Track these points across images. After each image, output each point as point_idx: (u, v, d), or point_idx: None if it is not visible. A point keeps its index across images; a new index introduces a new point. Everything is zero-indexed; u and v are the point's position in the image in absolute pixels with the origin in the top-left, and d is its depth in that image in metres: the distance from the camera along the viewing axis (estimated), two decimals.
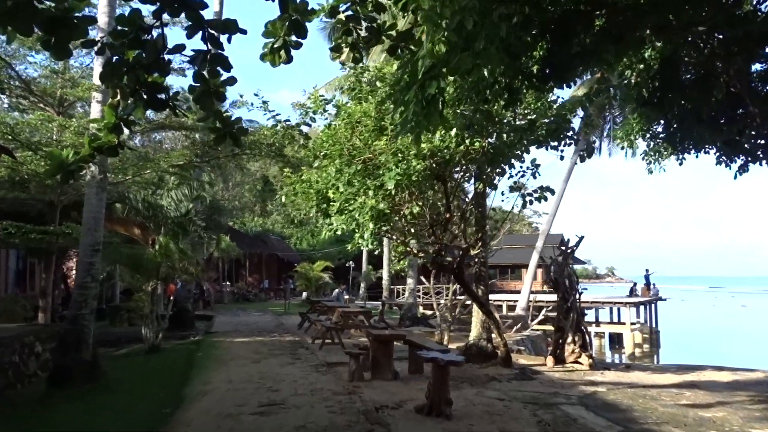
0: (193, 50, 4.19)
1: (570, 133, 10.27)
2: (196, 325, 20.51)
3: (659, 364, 15.57)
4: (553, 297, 40.85)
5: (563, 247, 15.22)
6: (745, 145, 13.75)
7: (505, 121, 10.02)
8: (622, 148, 14.67)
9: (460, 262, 11.26)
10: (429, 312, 32.40)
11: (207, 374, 10.73)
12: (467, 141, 9.87)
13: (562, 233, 53.51)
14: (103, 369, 11.43)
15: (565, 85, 9.64)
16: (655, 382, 12.16)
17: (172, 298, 17.28)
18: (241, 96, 11.76)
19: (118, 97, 4.73)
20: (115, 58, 4.40)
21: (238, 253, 36.57)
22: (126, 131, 5.04)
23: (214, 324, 21.12)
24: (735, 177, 12.99)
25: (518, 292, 49.18)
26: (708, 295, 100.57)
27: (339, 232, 10.99)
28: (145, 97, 4.58)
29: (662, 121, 13.84)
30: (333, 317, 15.82)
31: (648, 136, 14.36)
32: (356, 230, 10.34)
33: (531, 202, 11.64)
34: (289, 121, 11.78)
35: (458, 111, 8.26)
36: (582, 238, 15.30)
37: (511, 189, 12.00)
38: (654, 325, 39.83)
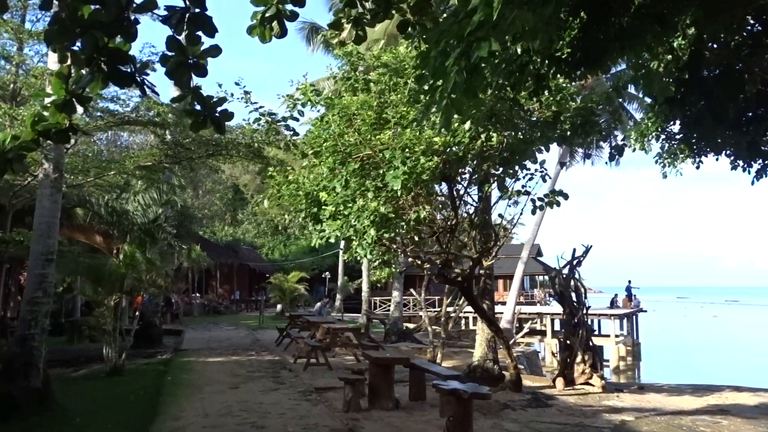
0: (167, 7, 3.34)
1: (596, 129, 9.08)
2: (164, 342, 18.83)
3: (673, 385, 14.45)
4: (536, 309, 39.87)
5: (569, 258, 14.06)
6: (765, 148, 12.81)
7: (527, 109, 8.79)
8: (634, 150, 13.58)
9: (470, 275, 10.00)
10: (410, 325, 31.15)
11: (178, 405, 9.21)
12: (482, 136, 8.63)
13: (538, 243, 52.91)
14: (56, 397, 9.84)
15: (599, 71, 8.54)
16: (679, 406, 11.03)
17: (138, 312, 15.65)
18: (220, 86, 10.27)
19: (68, 62, 3.58)
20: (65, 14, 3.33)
21: (209, 263, 34.83)
22: (79, 109, 3.92)
23: (184, 340, 19.46)
24: (753, 183, 11.87)
25: (502, 303, 48.36)
26: (677, 306, 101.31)
27: (332, 240, 9.63)
28: (104, 67, 3.46)
29: (678, 121, 12.88)
30: (317, 334, 14.40)
31: (663, 137, 13.38)
32: (353, 238, 8.99)
33: (541, 208, 10.43)
34: (275, 115, 10.41)
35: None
36: (590, 247, 14.17)
37: (519, 193, 10.80)
38: (635, 338, 39.20)
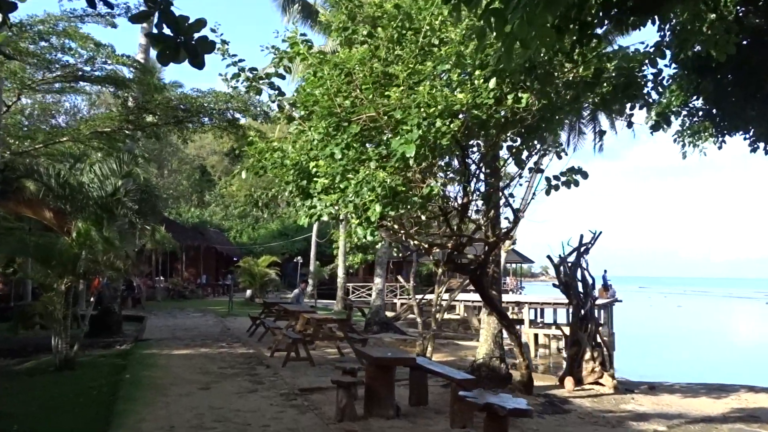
0: None
1: (641, 93, 7.74)
2: (124, 330, 17.14)
3: (683, 384, 13.41)
4: (514, 297, 38.78)
5: (576, 244, 12.83)
6: None
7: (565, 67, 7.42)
8: (652, 130, 12.37)
9: (485, 260, 8.66)
10: (388, 313, 29.84)
11: (137, 412, 7.68)
12: (509, 97, 7.23)
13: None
14: None
15: (655, 20, 7.21)
16: (703, 411, 9.93)
17: (93, 298, 13.94)
18: None
19: None
20: None
21: (174, 246, 32.94)
22: None
23: (147, 328, 17.77)
24: None
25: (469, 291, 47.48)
26: (640, 295, 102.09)
27: (325, 218, 8.16)
28: None
29: (704, 96, 11.70)
30: (297, 324, 12.93)
31: (685, 113, 12.20)
32: (353, 215, 7.53)
33: (557, 188, 9.10)
34: (256, 70, 8.84)
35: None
36: (599, 233, 12.99)
37: (532, 170, 9.48)
38: (611, 328, 38.66)
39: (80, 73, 11.43)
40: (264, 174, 9.43)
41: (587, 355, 11.83)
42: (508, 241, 8.79)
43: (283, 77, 9.07)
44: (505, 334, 10.69)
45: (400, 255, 9.91)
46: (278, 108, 9.10)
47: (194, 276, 39.06)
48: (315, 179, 8.40)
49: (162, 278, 34.05)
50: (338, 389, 7.71)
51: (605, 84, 7.50)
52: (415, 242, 8.58)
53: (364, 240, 7.67)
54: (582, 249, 12.70)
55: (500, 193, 8.82)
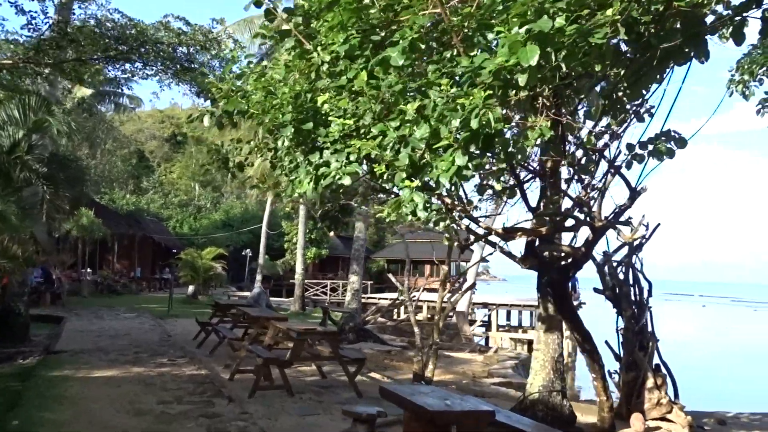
0: None
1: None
2: (33, 336, 13.45)
3: (755, 415, 10.87)
4: (482, 298, 36.22)
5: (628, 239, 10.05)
6: None
7: None
8: (731, 94, 9.77)
9: (587, 254, 5.80)
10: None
11: None
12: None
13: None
14: None
15: None
16: None
17: None
18: None
19: None
20: None
21: (105, 233, 28.85)
22: None
23: (64, 333, 14.08)
24: None
25: (432, 290, 44.74)
26: (596, 298, 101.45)
27: (346, 181, 5.05)
28: None
29: None
30: (267, 336, 9.71)
31: None
32: (403, 172, 4.49)
33: (642, 159, 6.30)
34: None
35: None
36: (658, 225, 10.28)
37: (614, 136, 6.64)
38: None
39: None
40: (241, 118, 6.24)
41: (649, 383, 9.09)
42: (624, 226, 5.79)
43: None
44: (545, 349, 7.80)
45: (464, 245, 6.69)
46: (265, 15, 5.92)
47: (127, 268, 34.85)
48: (324, 116, 5.35)
49: (89, 270, 29.84)
50: None
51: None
52: (481, 224, 5.62)
53: (418, 217, 4.60)
54: (635, 244, 9.95)
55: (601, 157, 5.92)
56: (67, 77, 10.39)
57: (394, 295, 31.95)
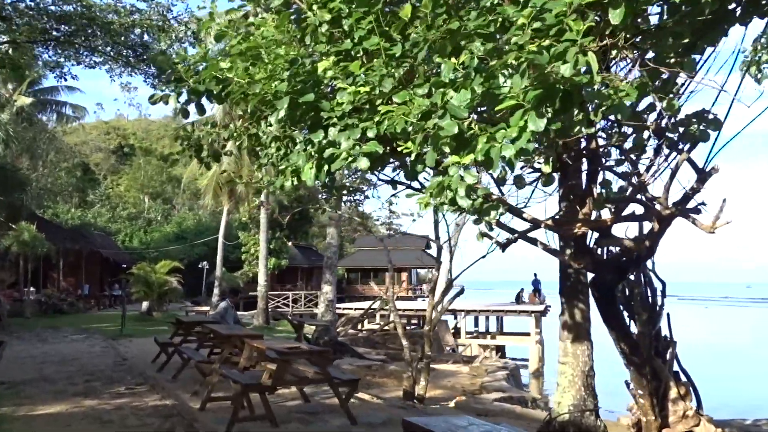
0: None
1: None
2: None
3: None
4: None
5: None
6: None
7: None
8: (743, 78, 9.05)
9: (651, 250, 4.87)
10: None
11: None
12: None
13: (427, 235, 48.97)
14: None
15: None
16: None
17: None
18: None
19: None
20: None
21: (49, 249, 26.83)
22: None
23: (2, 359, 12.50)
24: None
25: (403, 299, 43.64)
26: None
27: (362, 165, 3.97)
28: None
29: None
30: (242, 358, 8.48)
31: None
32: (445, 146, 3.46)
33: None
34: None
35: None
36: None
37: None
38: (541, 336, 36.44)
39: None
40: (215, 99, 5.11)
41: (672, 393, 8.27)
42: (702, 216, 4.74)
43: None
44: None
45: (512, 238, 5.46)
46: None
47: (74, 286, 32.69)
48: (329, 95, 4.30)
49: (33, 289, 27.72)
50: None
51: None
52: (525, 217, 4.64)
53: (457, 207, 3.58)
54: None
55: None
56: (5, 63, 8.86)
57: (361, 305, 30.83)
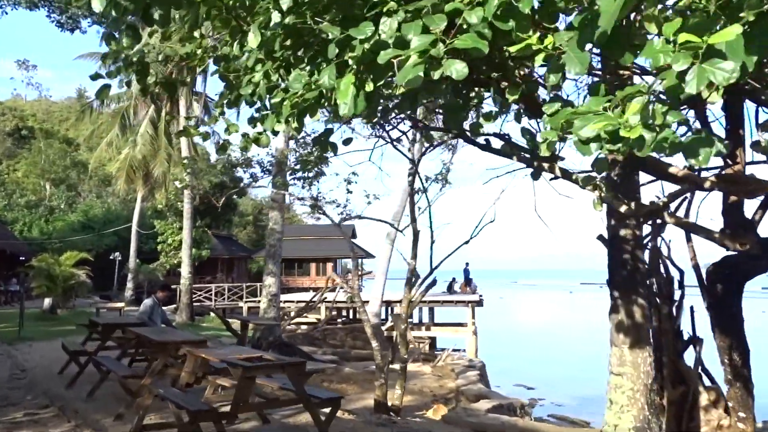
0: None
1: None
2: None
3: None
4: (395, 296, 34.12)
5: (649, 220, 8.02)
6: None
7: None
8: None
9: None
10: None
11: None
12: None
13: (353, 224, 47.38)
14: None
15: None
16: None
17: None
18: None
19: None
20: None
21: None
22: None
23: None
24: None
25: (310, 290, 41.57)
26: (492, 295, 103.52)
27: (458, 72, 2.31)
28: None
29: None
30: (184, 370, 6.55)
31: None
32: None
33: None
34: None
35: None
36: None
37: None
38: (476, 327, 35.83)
39: None
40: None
41: (703, 399, 7.10)
42: None
43: None
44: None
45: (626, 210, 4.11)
46: None
47: None
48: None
49: None
50: None
51: None
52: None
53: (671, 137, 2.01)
54: (659, 222, 7.96)
55: None
56: None
57: (294, 297, 28.90)
